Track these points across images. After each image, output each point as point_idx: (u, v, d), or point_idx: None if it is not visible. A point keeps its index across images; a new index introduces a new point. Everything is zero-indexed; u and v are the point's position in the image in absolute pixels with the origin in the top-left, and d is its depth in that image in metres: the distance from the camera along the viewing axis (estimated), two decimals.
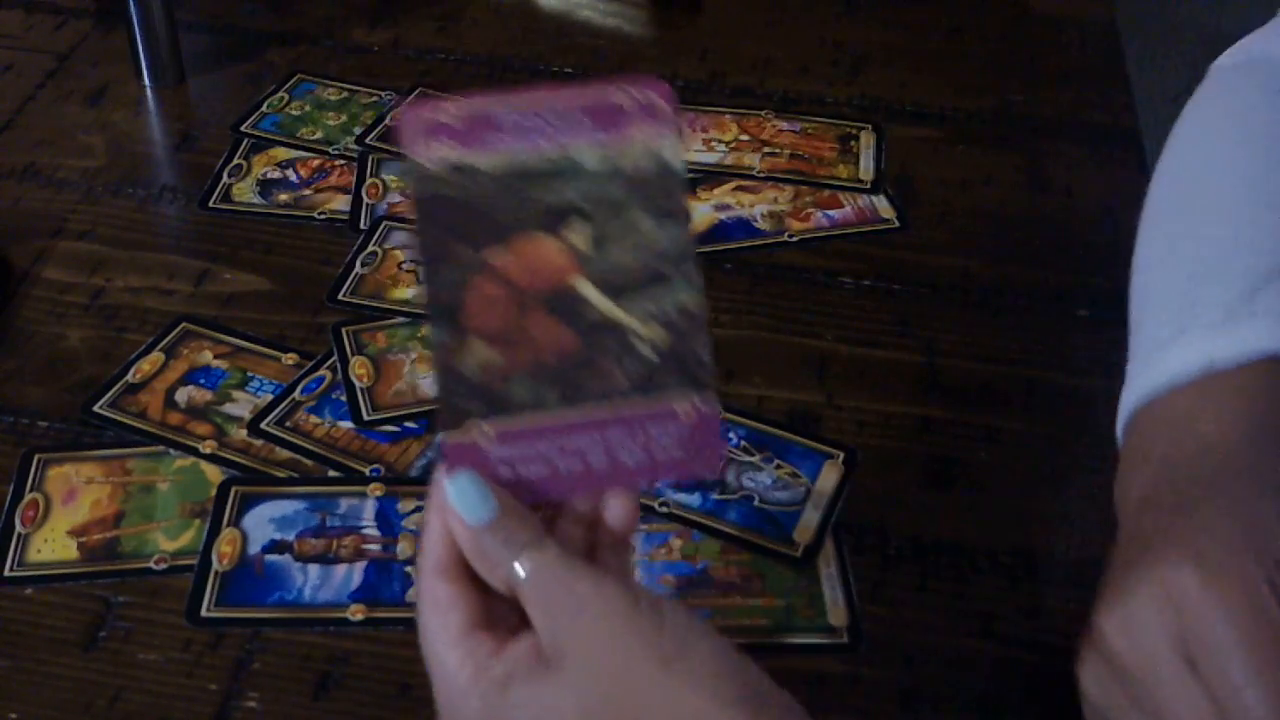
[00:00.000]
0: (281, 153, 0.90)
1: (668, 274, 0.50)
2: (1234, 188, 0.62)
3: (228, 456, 0.69)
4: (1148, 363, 0.57)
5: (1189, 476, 0.52)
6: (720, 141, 0.92)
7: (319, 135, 0.91)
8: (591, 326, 0.50)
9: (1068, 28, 1.07)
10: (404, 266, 0.80)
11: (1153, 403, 0.56)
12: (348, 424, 0.70)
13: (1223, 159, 0.63)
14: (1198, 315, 0.56)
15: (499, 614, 0.50)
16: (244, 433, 0.70)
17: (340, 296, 0.79)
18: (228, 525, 0.65)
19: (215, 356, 0.74)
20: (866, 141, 0.93)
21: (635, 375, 0.50)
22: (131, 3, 0.93)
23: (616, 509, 0.51)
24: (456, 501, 0.48)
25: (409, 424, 0.70)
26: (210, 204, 0.85)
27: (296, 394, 0.72)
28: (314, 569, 0.64)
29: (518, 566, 0.47)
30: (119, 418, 0.71)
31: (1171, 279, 0.60)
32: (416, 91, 0.95)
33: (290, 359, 0.74)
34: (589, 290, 0.50)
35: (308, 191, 0.86)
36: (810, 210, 0.86)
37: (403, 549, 0.64)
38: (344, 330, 0.76)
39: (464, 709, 0.48)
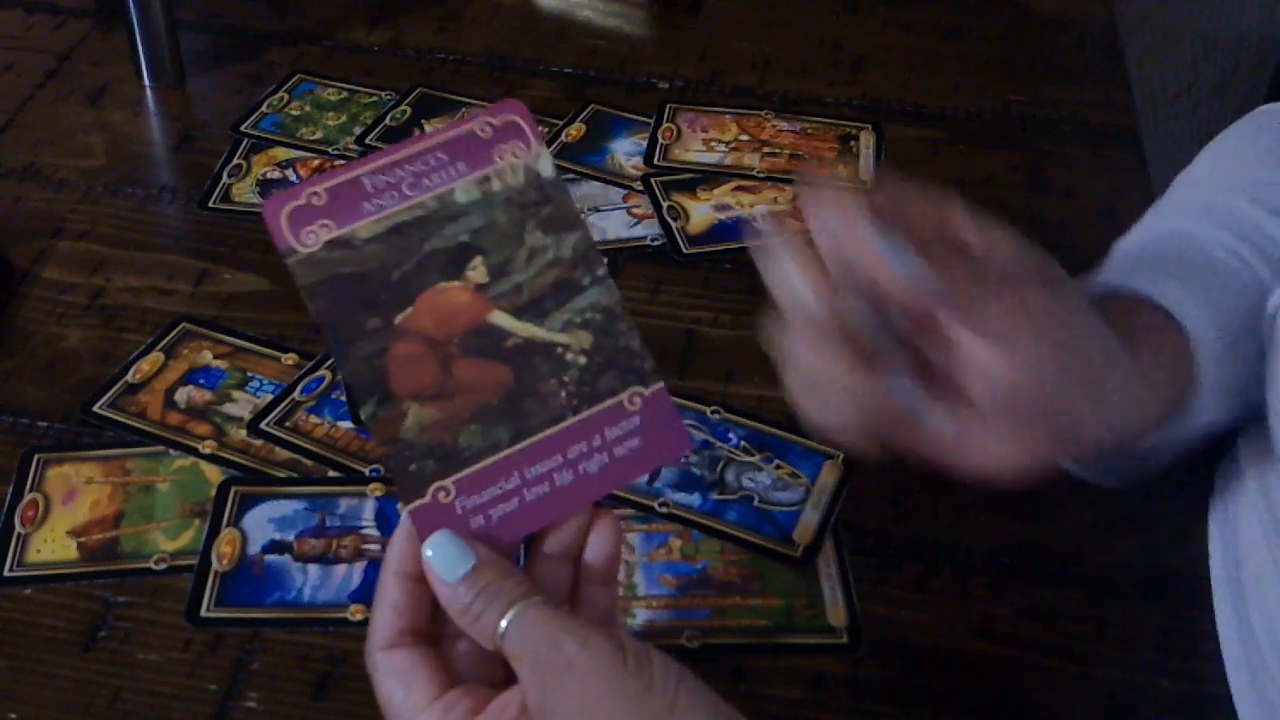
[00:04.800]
0: (281, 153, 0.90)
1: (575, 279, 0.51)
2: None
3: (227, 456, 0.69)
4: None
5: None
6: (720, 141, 0.92)
7: (319, 135, 0.91)
8: (518, 354, 0.50)
9: (1068, 28, 1.07)
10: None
11: None
12: (347, 424, 0.70)
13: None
14: None
15: (476, 670, 0.49)
16: (244, 433, 0.70)
17: None
18: (227, 525, 0.65)
19: (215, 356, 0.74)
20: (866, 141, 0.93)
21: (575, 385, 0.50)
22: (131, 3, 0.93)
23: (598, 542, 0.50)
24: (434, 560, 0.47)
25: None
26: (210, 204, 0.85)
27: (296, 394, 0.72)
28: (314, 569, 0.64)
29: (502, 623, 0.46)
30: (119, 418, 0.71)
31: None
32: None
33: (290, 359, 0.74)
34: (505, 320, 0.50)
35: None
36: None
37: None
38: None
39: None
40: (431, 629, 0.49)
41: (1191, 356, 0.58)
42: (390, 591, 0.48)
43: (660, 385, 0.51)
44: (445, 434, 0.49)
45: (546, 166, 0.51)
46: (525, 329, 0.50)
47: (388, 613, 0.48)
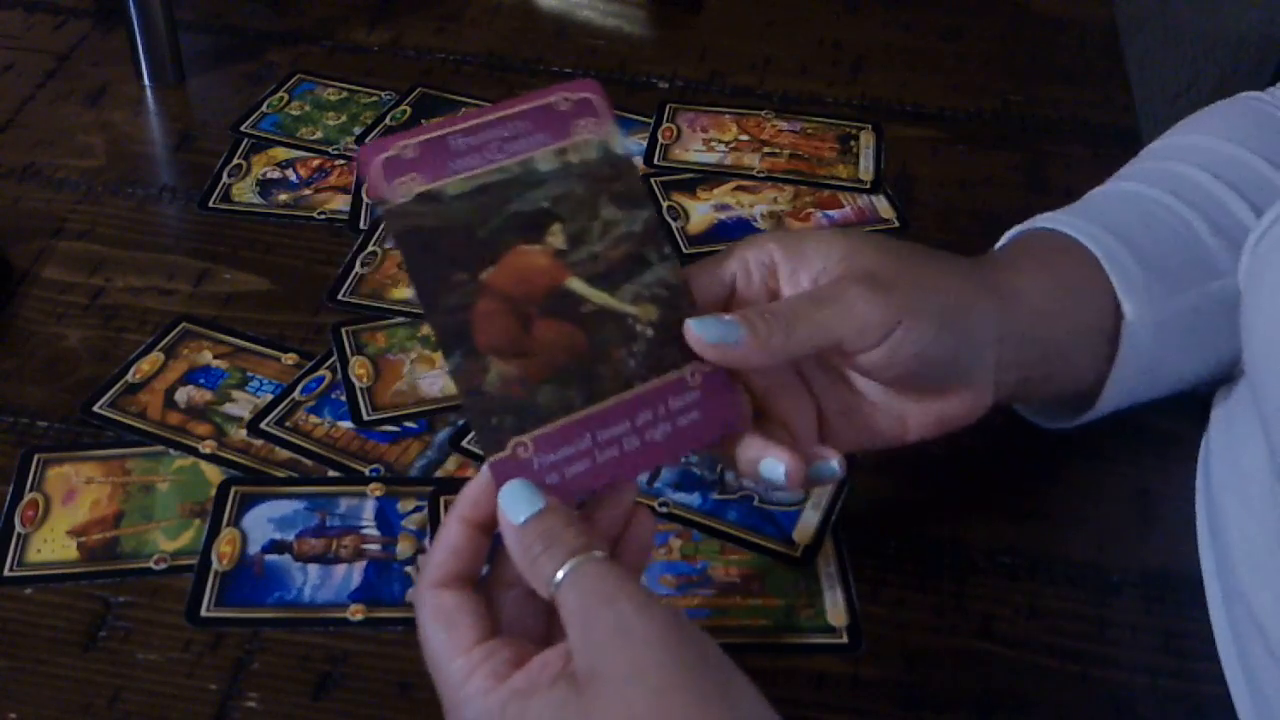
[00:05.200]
0: (281, 153, 0.90)
1: (644, 254, 0.53)
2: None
3: (227, 456, 0.69)
4: None
5: None
6: (720, 141, 0.92)
7: (319, 135, 0.91)
8: (592, 320, 0.52)
9: (1068, 28, 1.07)
10: (403, 267, 0.80)
11: None
12: (347, 424, 0.70)
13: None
14: None
15: (522, 624, 0.50)
16: (244, 433, 0.70)
17: (340, 296, 0.79)
18: (227, 525, 0.65)
19: (215, 356, 0.74)
20: (866, 141, 0.93)
21: (642, 356, 0.52)
22: (131, 3, 0.93)
23: (635, 532, 0.52)
24: (506, 502, 0.48)
25: (409, 424, 0.70)
26: (210, 204, 0.85)
27: (296, 394, 0.72)
28: (314, 569, 0.64)
29: (560, 572, 0.46)
30: (119, 418, 0.71)
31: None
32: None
33: (290, 359, 0.74)
34: (580, 286, 0.52)
35: (307, 191, 0.86)
36: (810, 210, 0.86)
37: (402, 549, 0.64)
38: (344, 330, 0.76)
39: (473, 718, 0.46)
40: (481, 582, 0.51)
41: (1103, 273, 0.61)
42: (452, 534, 0.50)
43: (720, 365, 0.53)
44: (524, 391, 0.50)
45: (619, 144, 0.54)
46: (599, 296, 0.52)
47: (444, 554, 0.49)
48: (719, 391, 0.53)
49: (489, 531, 0.51)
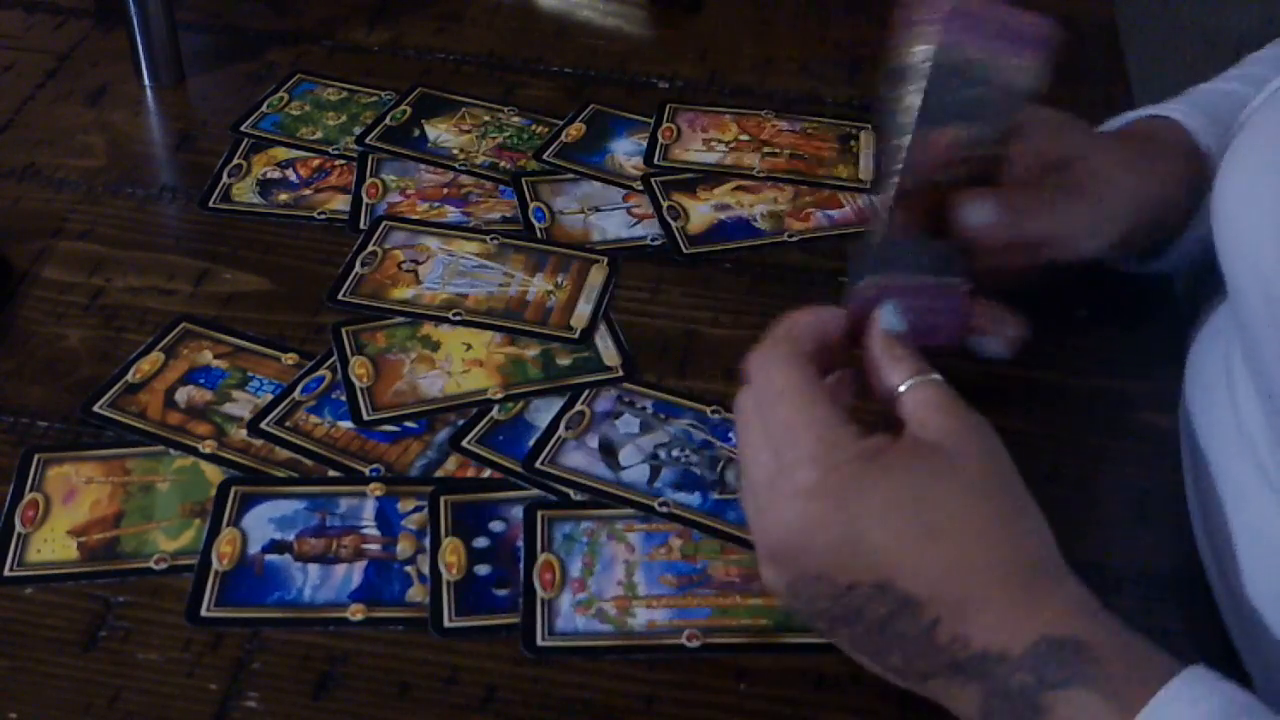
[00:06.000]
0: (281, 153, 0.90)
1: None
2: None
3: (227, 456, 0.69)
4: None
5: None
6: (720, 141, 0.92)
7: (319, 135, 0.91)
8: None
9: (1068, 27, 1.06)
10: (403, 266, 0.80)
11: None
12: (347, 424, 0.70)
13: None
14: None
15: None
16: (244, 433, 0.70)
17: (340, 296, 0.79)
18: (228, 525, 0.65)
19: (215, 356, 0.74)
20: (866, 141, 0.93)
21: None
22: (131, 3, 0.93)
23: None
24: (885, 312, 0.59)
25: (409, 424, 0.70)
26: (210, 204, 0.85)
27: (296, 394, 0.72)
28: (314, 569, 0.64)
29: (911, 380, 0.56)
30: (119, 417, 0.71)
31: None
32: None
33: (290, 359, 0.74)
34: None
35: (307, 191, 0.87)
36: (810, 210, 0.86)
37: (402, 549, 0.64)
38: (344, 330, 0.76)
39: (842, 480, 0.53)
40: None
41: (1201, 158, 0.73)
42: (837, 317, 0.59)
43: (959, 287, 0.64)
44: (907, 244, 0.63)
45: (1034, 81, 0.67)
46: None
47: (821, 326, 0.59)
48: (958, 309, 0.64)
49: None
